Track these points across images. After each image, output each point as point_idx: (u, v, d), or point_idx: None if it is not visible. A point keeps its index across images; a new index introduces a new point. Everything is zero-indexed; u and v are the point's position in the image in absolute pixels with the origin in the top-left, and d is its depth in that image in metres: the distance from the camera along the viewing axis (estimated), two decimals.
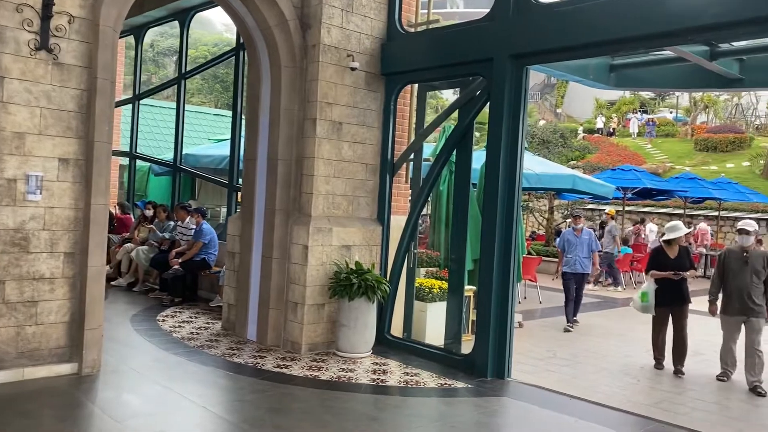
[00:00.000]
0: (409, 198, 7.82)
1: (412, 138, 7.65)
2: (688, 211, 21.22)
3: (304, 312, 6.84)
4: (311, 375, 6.14)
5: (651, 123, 36.98)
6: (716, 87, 7.34)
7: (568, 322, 9.60)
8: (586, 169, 21.58)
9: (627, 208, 20.98)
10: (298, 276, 6.91)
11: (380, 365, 6.57)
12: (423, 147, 7.69)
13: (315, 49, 6.95)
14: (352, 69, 7.05)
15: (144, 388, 5.60)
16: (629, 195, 16.43)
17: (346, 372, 6.27)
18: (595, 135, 37.61)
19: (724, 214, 22.36)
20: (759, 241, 7.65)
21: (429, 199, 9.60)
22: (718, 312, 7.07)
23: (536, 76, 60.61)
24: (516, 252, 8.69)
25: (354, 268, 6.83)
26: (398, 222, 7.48)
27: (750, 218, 23.71)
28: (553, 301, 12.05)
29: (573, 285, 9.69)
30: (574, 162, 22.27)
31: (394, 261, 7.32)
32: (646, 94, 48.28)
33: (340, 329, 6.78)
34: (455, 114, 7.15)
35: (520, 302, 11.73)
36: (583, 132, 37.58)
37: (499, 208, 6.21)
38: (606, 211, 16.86)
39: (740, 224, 6.98)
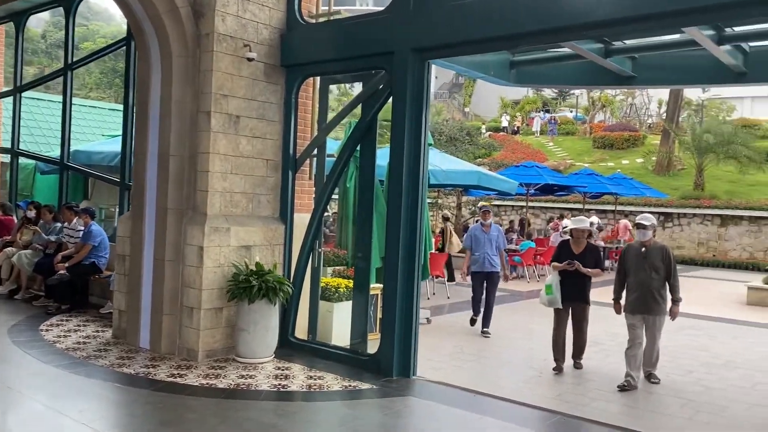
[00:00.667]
0: (314, 195, 7.58)
1: (315, 133, 7.41)
2: (587, 206, 22.16)
3: (201, 317, 6.46)
4: (208, 383, 5.78)
5: (553, 122, 38.47)
6: (611, 84, 7.57)
7: (475, 315, 9.15)
8: (491, 166, 22.11)
9: (530, 204, 21.66)
10: (194, 279, 6.51)
11: (283, 370, 6.30)
12: (327, 142, 7.47)
13: (209, 38, 6.57)
14: (250, 60, 6.72)
15: (19, 407, 5.07)
16: (532, 191, 16.93)
17: (246, 379, 5.95)
18: (501, 133, 38.70)
19: (620, 208, 23.50)
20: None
21: (336, 196, 9.42)
22: (623, 311, 6.79)
23: (445, 76, 61.84)
24: (422, 248, 8.65)
25: (254, 269, 6.51)
26: (302, 220, 7.22)
27: (645, 212, 25.35)
28: (462, 296, 12.14)
29: (482, 285, 9.07)
30: (481, 159, 22.79)
31: (298, 261, 7.06)
32: (549, 94, 50.28)
33: (240, 334, 6.45)
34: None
35: (428, 298, 11.76)
36: (488, 130, 38.56)
37: (403, 205, 6.10)
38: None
39: (638, 218, 6.72)
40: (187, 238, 6.61)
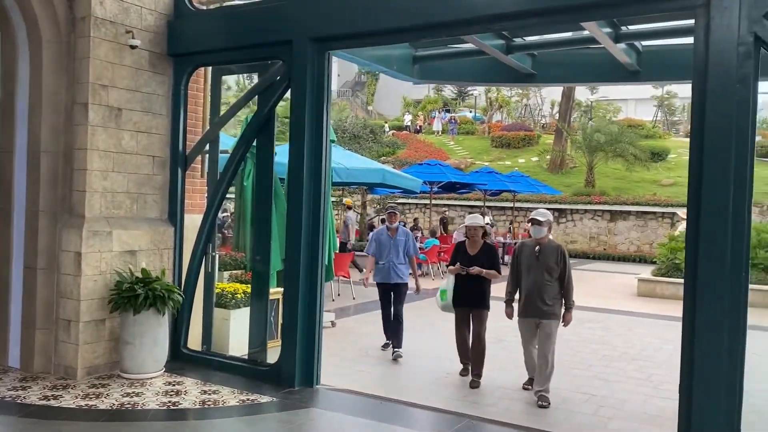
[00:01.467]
0: (206, 195, 7.07)
1: (208, 127, 6.91)
2: (487, 203, 22.67)
3: (79, 330, 5.82)
4: (87, 405, 5.19)
5: (453, 121, 39.22)
6: (512, 81, 7.58)
7: (387, 340, 7.83)
8: (395, 164, 22.13)
9: (434, 202, 21.85)
10: (71, 289, 5.85)
11: (174, 385, 5.79)
12: (220, 138, 6.98)
13: (85, 22, 5.93)
14: (132, 47, 6.13)
15: None
16: (435, 189, 17.04)
17: (132, 397, 5.40)
18: (404, 132, 39.00)
19: (518, 205, 24.21)
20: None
21: (234, 195, 8.89)
22: (515, 315, 6.21)
23: (347, 74, 61.73)
24: (326, 249, 8.31)
25: (140, 276, 5.95)
26: (194, 222, 6.71)
27: (541, 208, 26.23)
28: (367, 296, 11.90)
29: (389, 299, 7.78)
30: (385, 157, 22.75)
31: (189, 266, 6.55)
32: (449, 95, 51.30)
33: (125, 347, 5.87)
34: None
35: (333, 300, 11.45)
36: (391, 129, 38.78)
37: (305, 203, 5.75)
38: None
39: (533, 214, 6.10)
40: (62, 243, 5.93)
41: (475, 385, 6.37)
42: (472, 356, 6.62)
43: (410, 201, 25.97)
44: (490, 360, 7.25)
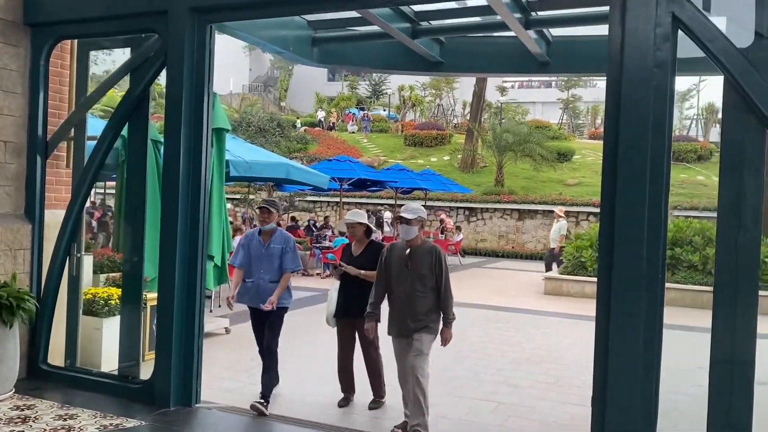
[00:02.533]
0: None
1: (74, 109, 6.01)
2: (399, 201, 22.36)
3: None
4: None
5: (366, 119, 38.84)
6: (419, 69, 7.12)
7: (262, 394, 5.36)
8: (305, 161, 21.40)
9: (344, 199, 21.29)
10: None
11: (23, 410, 4.90)
12: (88, 121, 6.10)
13: None
14: None
15: None
16: (346, 186, 16.49)
17: None
18: (316, 128, 38.25)
19: (429, 203, 24.07)
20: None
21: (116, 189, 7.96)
22: (387, 332, 5.02)
23: (260, 68, 60.25)
24: (219, 250, 7.55)
25: None
26: (57, 218, 5.81)
27: (447, 206, 26.37)
28: None
29: (260, 328, 5.74)
30: (296, 154, 21.96)
31: (50, 269, 5.65)
32: (363, 93, 50.94)
33: None
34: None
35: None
36: (303, 125, 37.96)
37: (181, 199, 5.03)
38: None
39: (401, 210, 4.96)
40: None
41: (375, 405, 5.59)
42: (368, 375, 5.63)
43: (322, 199, 25.30)
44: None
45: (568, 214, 24.37)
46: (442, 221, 22.30)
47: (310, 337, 8.27)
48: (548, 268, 15.87)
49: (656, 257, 3.70)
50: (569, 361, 7.51)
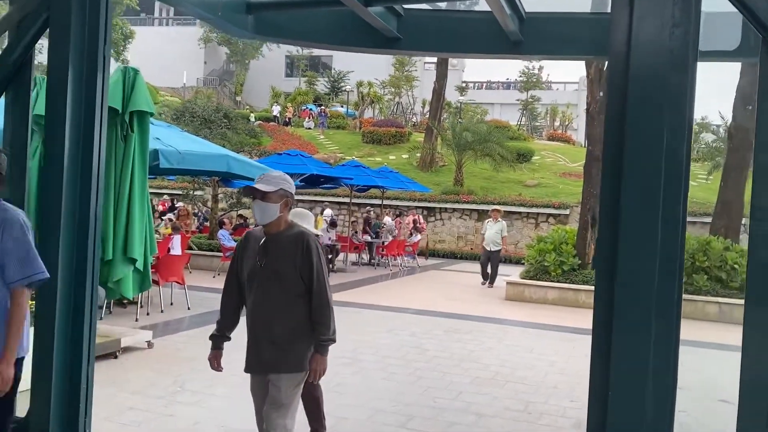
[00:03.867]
0: None
1: None
2: (354, 200, 21.42)
3: None
4: None
5: (323, 114, 37.78)
6: (373, 47, 6.16)
7: None
8: (256, 155, 20.19)
9: (297, 197, 20.20)
10: None
11: None
12: None
13: None
14: None
15: None
16: (297, 182, 15.43)
17: None
18: (271, 123, 37.02)
19: (387, 202, 23.21)
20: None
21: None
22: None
23: (215, 62, 58.54)
24: (144, 252, 6.59)
25: None
26: None
27: (408, 206, 25.56)
28: (206, 305, 10.14)
29: None
30: (249, 148, 20.73)
31: None
32: (322, 89, 49.83)
33: None
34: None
35: (162, 311, 9.54)
36: (257, 119, 36.68)
37: (66, 194, 3.96)
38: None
39: (256, 180, 3.50)
40: None
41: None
42: (305, 408, 4.53)
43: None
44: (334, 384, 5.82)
45: (528, 215, 23.92)
46: (415, 221, 21.41)
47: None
48: (486, 275, 15.03)
49: (673, 265, 2.85)
50: (536, 382, 6.68)
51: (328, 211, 21.26)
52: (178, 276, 10.00)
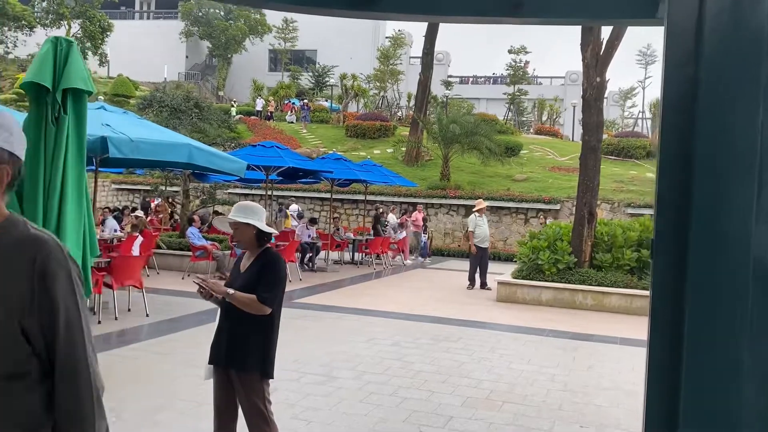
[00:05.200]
0: None
1: None
2: (335, 195, 20.42)
3: None
4: None
5: (306, 108, 36.72)
6: (342, 7, 5.20)
7: None
8: (230, 147, 19.08)
9: (275, 192, 19.20)
10: None
11: None
12: None
13: None
14: None
15: None
16: (273, 176, 14.44)
17: None
18: (253, 117, 35.91)
19: (370, 198, 22.27)
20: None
21: None
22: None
23: (197, 56, 57.26)
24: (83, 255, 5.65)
25: None
26: None
27: (393, 201, 24.52)
28: (167, 311, 9.16)
29: None
30: (222, 141, 19.60)
31: None
32: (306, 83, 48.72)
33: None
34: None
35: (116, 318, 8.55)
36: (239, 113, 35.55)
37: None
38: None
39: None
40: None
41: None
42: None
43: (254, 192, 23.09)
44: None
45: (517, 210, 23.08)
46: (413, 219, 20.42)
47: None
48: (474, 279, 13.80)
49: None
50: (538, 403, 5.78)
51: (294, 207, 20.25)
52: (135, 279, 8.99)
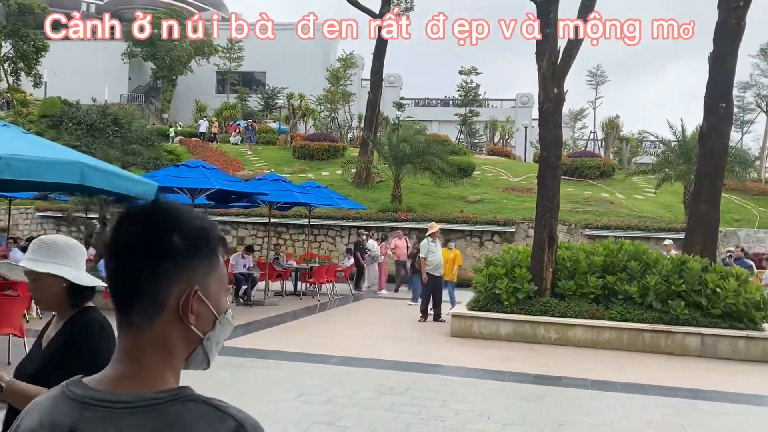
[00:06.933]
0: None
1: None
2: (274, 220, 18.91)
3: None
4: None
5: (251, 128, 35.19)
6: None
7: None
8: (152, 167, 17.44)
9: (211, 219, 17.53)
10: None
11: None
12: None
13: None
14: None
15: None
16: (202, 198, 12.93)
17: None
18: (194, 139, 34.17)
19: (315, 222, 20.87)
20: None
21: None
22: None
23: (140, 78, 55.15)
24: None
25: None
26: None
27: (342, 226, 23.11)
28: None
29: None
30: (143, 159, 17.84)
31: None
32: (255, 105, 47.20)
33: None
34: None
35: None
36: (177, 134, 33.78)
37: None
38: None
39: None
40: None
41: None
42: None
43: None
44: None
45: (471, 233, 22.00)
46: (396, 246, 18.91)
47: None
48: (426, 312, 12.49)
49: None
50: None
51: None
52: (14, 326, 7.38)
